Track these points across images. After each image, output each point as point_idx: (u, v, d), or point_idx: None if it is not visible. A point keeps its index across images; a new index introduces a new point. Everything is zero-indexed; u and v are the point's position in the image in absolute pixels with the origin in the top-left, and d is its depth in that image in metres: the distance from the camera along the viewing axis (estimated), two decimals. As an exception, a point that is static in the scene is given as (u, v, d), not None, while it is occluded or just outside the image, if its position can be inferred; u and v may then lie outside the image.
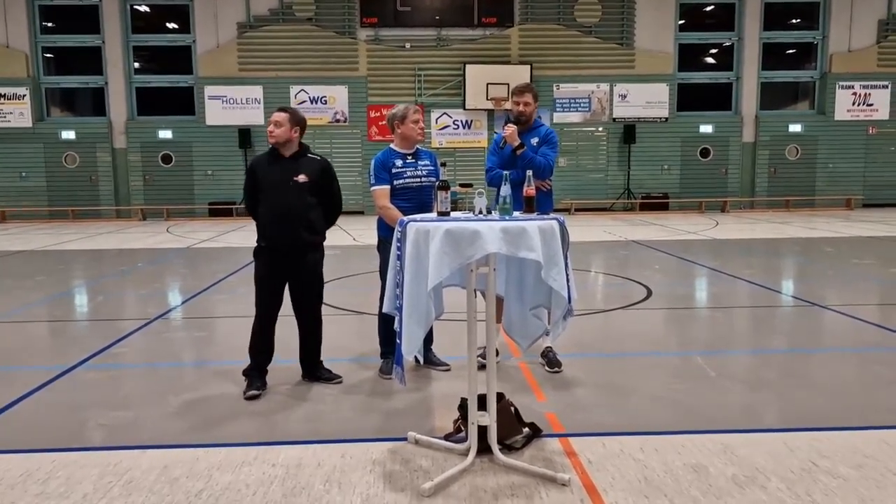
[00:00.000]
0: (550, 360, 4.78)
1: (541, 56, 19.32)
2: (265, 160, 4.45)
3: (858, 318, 6.23)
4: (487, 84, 18.78)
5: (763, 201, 20.00)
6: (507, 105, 16.92)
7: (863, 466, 3.19)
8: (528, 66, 18.89)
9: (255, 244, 4.49)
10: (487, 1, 19.21)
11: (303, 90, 19.12)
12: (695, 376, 4.64)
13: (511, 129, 4.81)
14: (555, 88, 19.44)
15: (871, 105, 19.80)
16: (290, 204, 4.36)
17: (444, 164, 3.95)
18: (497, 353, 4.08)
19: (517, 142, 4.79)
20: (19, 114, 18.94)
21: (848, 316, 6.33)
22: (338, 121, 19.38)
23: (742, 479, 3.08)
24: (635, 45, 19.51)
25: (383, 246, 4.55)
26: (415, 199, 4.55)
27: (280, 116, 4.37)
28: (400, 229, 3.22)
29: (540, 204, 4.33)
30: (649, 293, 7.58)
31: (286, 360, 4.63)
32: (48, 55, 19.56)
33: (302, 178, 4.39)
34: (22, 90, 18.88)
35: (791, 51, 20.51)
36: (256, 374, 4.40)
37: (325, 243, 4.62)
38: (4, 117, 18.91)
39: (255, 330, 4.45)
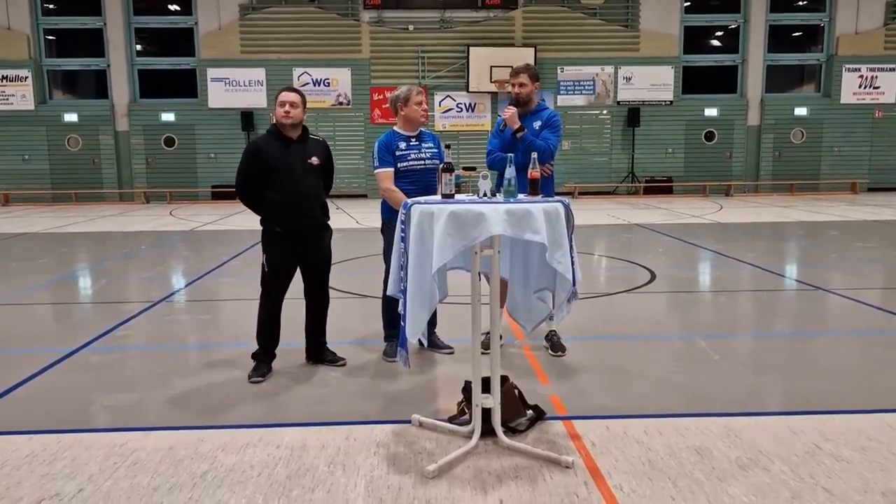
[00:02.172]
0: (554, 343, 4.78)
1: (545, 38, 19.17)
2: (272, 143, 4.31)
3: (862, 301, 6.22)
4: (491, 66, 18.66)
5: (768, 185, 19.91)
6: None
7: (866, 449, 3.19)
8: (533, 49, 18.75)
9: (265, 230, 4.42)
10: (491, -18, 19.06)
11: (305, 72, 19.02)
12: (698, 360, 4.64)
13: (510, 111, 4.74)
14: (559, 71, 19.31)
15: (878, 88, 19.63)
16: (307, 187, 4.34)
17: (448, 147, 3.93)
18: (501, 336, 4.08)
19: (517, 124, 4.72)
20: (21, 96, 18.89)
21: (852, 299, 6.31)
22: (340, 103, 19.29)
23: (745, 462, 3.08)
24: (640, 28, 19.35)
25: (387, 228, 4.53)
26: (418, 182, 4.53)
27: (295, 97, 4.28)
28: (404, 211, 3.21)
29: (541, 188, 4.30)
30: (653, 276, 7.56)
31: (290, 343, 4.64)
32: (50, 37, 19.46)
33: (315, 160, 4.37)
34: (24, 72, 18.80)
35: (797, 33, 20.33)
36: (266, 360, 4.40)
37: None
38: (7, 100, 18.86)
39: (266, 316, 4.42)
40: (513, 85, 4.86)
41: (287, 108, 4.25)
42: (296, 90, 4.37)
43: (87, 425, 3.65)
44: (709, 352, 4.79)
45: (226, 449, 3.28)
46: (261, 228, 4.46)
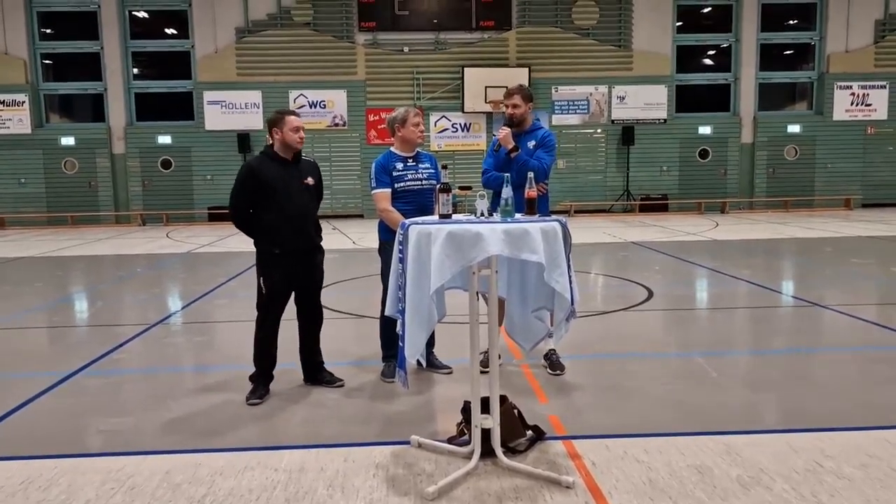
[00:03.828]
0: (553, 362, 4.77)
1: (539, 58, 19.33)
2: (267, 163, 4.35)
3: (859, 317, 6.22)
4: (486, 87, 18.78)
5: (762, 202, 20.00)
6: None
7: (867, 466, 3.19)
8: (527, 69, 18.90)
9: (262, 252, 4.41)
10: (485, 4, 19.21)
11: (302, 94, 19.12)
12: (697, 377, 4.63)
13: (505, 131, 4.79)
14: (553, 91, 19.45)
15: (870, 105, 19.80)
16: (304, 208, 4.39)
17: (445, 167, 3.95)
18: (499, 356, 4.07)
19: (511, 144, 4.77)
20: (18, 120, 18.93)
21: (848, 315, 6.32)
22: (336, 125, 19.37)
23: (747, 480, 3.07)
24: (633, 47, 19.52)
25: (384, 249, 4.54)
26: (415, 202, 4.54)
27: (302, 123, 4.40)
28: (402, 232, 3.21)
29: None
30: (650, 294, 7.57)
31: (287, 364, 4.62)
32: (47, 62, 19.54)
33: (310, 180, 4.44)
34: (21, 97, 18.85)
35: (788, 52, 20.54)
36: (263, 382, 4.39)
37: (324, 247, 4.63)
38: (3, 124, 18.89)
39: (263, 337, 4.41)
40: (506, 106, 4.92)
41: (301, 133, 4.36)
42: (299, 114, 4.48)
43: (83, 450, 3.62)
44: (707, 369, 4.79)
45: (224, 473, 3.25)
46: (255, 251, 4.46)
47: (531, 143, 4.86)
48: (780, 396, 4.26)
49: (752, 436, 3.56)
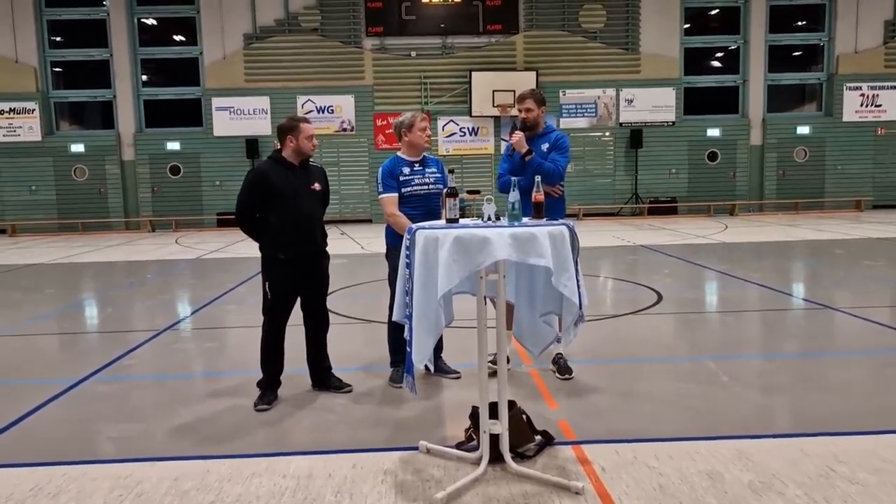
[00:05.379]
0: (561, 366, 4.75)
1: (546, 62, 19.32)
2: (277, 169, 4.38)
3: (871, 320, 6.16)
4: (493, 91, 18.77)
5: (772, 204, 19.89)
6: (514, 111, 16.86)
7: (881, 471, 3.15)
8: (534, 73, 18.88)
9: (267, 257, 4.43)
10: (492, 8, 19.22)
11: (309, 100, 19.18)
12: (707, 381, 4.60)
13: (517, 136, 4.81)
14: (561, 94, 19.42)
15: (880, 106, 19.67)
16: (310, 212, 4.41)
17: (452, 171, 3.94)
18: (508, 361, 4.06)
19: (525, 148, 4.79)
20: (28, 128, 19.06)
21: (860, 318, 6.26)
22: (344, 130, 19.41)
23: (758, 486, 3.03)
24: (641, 50, 19.48)
25: (392, 254, 4.54)
26: (422, 207, 4.55)
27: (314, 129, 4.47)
28: (409, 237, 3.21)
29: (551, 210, 4.31)
30: (660, 298, 7.53)
31: (295, 370, 4.62)
32: (57, 69, 19.69)
33: (316, 186, 4.46)
34: (31, 104, 19.00)
35: (797, 53, 20.44)
36: (271, 387, 4.39)
37: (332, 252, 4.64)
38: (14, 132, 19.04)
39: (269, 343, 4.42)
40: (519, 110, 4.94)
41: (314, 140, 4.42)
42: (311, 122, 4.52)
43: (92, 457, 3.62)
44: (718, 373, 4.75)
45: (232, 479, 3.25)
46: (260, 255, 4.48)
47: (545, 146, 4.89)
48: (792, 400, 4.22)
49: (763, 440, 3.52)
